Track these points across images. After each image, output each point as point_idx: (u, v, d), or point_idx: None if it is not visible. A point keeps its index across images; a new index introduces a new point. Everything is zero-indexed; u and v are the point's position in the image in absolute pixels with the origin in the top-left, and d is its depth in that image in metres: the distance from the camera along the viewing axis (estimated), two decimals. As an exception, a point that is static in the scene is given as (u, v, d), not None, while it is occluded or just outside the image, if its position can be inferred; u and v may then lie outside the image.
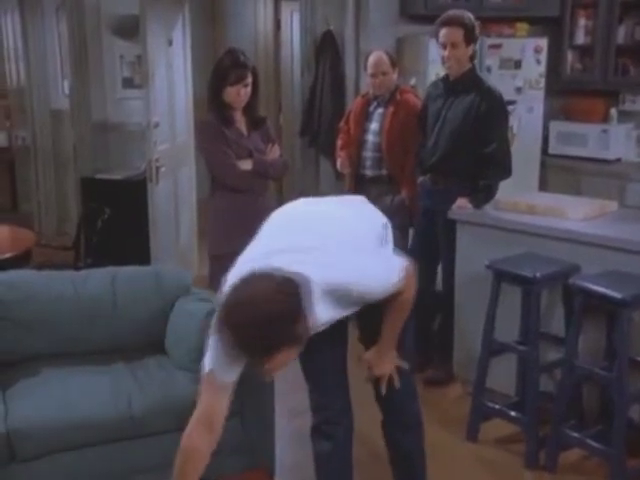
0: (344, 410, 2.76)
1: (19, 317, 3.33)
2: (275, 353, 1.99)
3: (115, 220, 5.18)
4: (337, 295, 2.25)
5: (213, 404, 2.20)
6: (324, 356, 2.68)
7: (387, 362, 2.65)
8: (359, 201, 2.80)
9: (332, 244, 2.32)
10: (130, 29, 5.84)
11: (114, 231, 5.32)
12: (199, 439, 2.17)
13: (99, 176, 6.20)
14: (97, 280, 3.53)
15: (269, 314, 1.95)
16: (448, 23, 4.01)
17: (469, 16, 4.05)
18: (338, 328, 2.53)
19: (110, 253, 5.20)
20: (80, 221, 5.43)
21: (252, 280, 2.03)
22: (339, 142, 4.79)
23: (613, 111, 5.83)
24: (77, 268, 4.79)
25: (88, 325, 3.43)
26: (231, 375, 2.22)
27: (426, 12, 5.41)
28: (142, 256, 5.33)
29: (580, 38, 5.88)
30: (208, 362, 2.21)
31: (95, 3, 6.14)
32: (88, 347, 3.44)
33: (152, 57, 5.35)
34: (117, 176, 6.16)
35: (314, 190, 5.84)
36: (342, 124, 4.83)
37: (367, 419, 2.88)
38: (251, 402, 3.22)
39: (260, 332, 1.95)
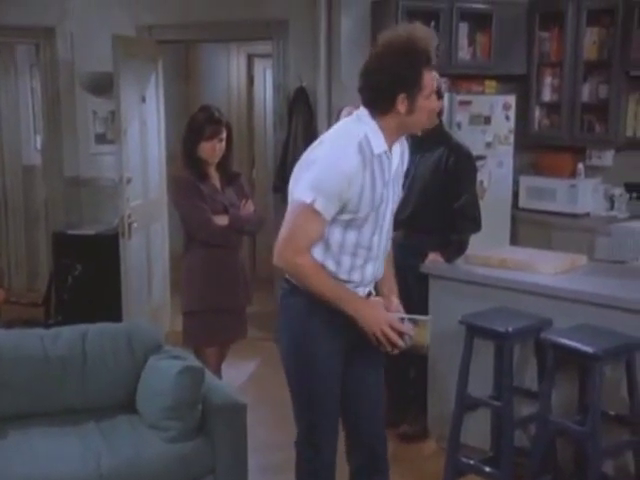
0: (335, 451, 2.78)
1: (-13, 377, 3.26)
2: (424, 75, 2.70)
3: (87, 276, 5.14)
4: None
5: (313, 231, 2.49)
6: (335, 402, 2.72)
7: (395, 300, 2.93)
8: None
9: None
10: (104, 86, 5.86)
11: (85, 287, 5.28)
12: (310, 258, 2.53)
13: (71, 231, 6.14)
14: (67, 338, 3.49)
15: None
16: None
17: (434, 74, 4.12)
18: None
19: (81, 309, 5.16)
20: (51, 277, 5.38)
21: None
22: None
23: (580, 166, 5.92)
24: (47, 325, 4.74)
25: (58, 384, 3.37)
26: (330, 208, 2.47)
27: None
28: (114, 312, 5.27)
29: (547, 95, 6.02)
30: (309, 193, 2.45)
31: (69, 60, 6.18)
32: (57, 407, 3.37)
33: (125, 113, 5.38)
34: (89, 231, 6.11)
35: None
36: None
37: (342, 471, 2.87)
38: (225, 459, 3.18)
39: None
